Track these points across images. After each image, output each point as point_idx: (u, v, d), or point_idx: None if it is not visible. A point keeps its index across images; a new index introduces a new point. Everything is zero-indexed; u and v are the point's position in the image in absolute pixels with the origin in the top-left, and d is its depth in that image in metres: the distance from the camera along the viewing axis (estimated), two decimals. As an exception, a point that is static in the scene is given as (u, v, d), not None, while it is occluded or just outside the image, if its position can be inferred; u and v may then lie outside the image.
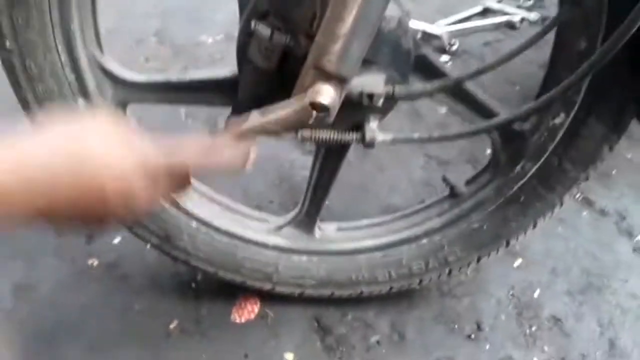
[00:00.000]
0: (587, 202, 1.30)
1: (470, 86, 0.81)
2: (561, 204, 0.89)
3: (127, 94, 0.79)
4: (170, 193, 0.59)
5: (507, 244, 0.94)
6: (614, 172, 1.38)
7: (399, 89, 0.72)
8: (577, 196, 1.31)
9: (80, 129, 0.47)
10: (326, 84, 0.62)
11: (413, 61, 0.75)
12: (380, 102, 0.71)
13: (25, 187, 0.43)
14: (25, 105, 0.74)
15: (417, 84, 0.75)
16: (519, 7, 1.84)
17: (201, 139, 0.58)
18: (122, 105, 0.81)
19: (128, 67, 0.78)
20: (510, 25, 1.78)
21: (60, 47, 0.70)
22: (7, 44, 0.68)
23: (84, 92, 0.75)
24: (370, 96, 0.70)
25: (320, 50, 0.60)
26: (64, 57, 0.71)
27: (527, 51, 0.78)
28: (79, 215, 0.47)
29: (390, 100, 0.74)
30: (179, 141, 0.54)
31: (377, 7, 0.57)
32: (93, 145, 0.46)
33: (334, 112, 0.64)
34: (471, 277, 1.13)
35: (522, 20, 1.79)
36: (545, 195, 0.87)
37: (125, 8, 1.62)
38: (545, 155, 0.84)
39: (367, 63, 0.70)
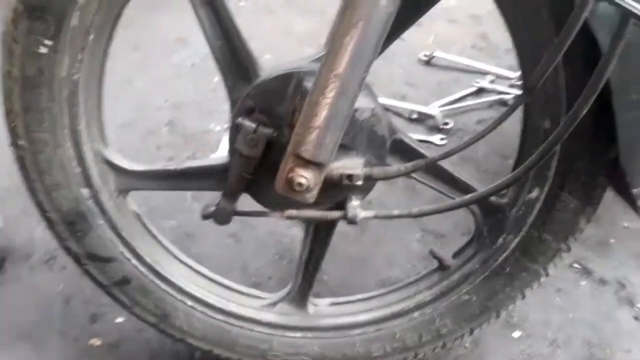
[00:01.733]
0: (586, 272, 1.31)
1: (447, 165, 0.87)
2: (546, 274, 0.91)
3: (128, 182, 0.86)
4: None
5: (498, 314, 0.95)
6: (611, 241, 1.39)
7: (377, 170, 0.78)
8: (575, 266, 1.32)
9: None
10: (304, 169, 0.68)
11: (390, 145, 0.82)
12: (360, 182, 0.77)
13: None
14: (34, 194, 0.81)
15: (394, 165, 0.81)
16: (511, 86, 1.94)
17: None
18: (124, 192, 0.88)
19: (142, 155, 0.85)
20: (502, 103, 1.86)
21: (68, 144, 0.78)
22: (21, 142, 0.76)
23: (88, 183, 0.82)
24: (350, 177, 0.76)
25: (298, 140, 0.67)
26: (70, 152, 0.79)
27: (518, 126, 0.84)
28: None
29: (369, 181, 0.80)
30: None
31: (345, 104, 0.64)
32: None
33: (313, 193, 0.70)
34: (470, 349, 1.13)
35: (515, 97, 1.88)
36: (529, 266, 0.90)
37: (140, 102, 1.75)
38: (525, 228, 0.88)
39: (346, 148, 0.78)
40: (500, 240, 0.90)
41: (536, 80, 0.67)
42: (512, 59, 2.02)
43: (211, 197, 1.43)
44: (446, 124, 1.74)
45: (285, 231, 1.38)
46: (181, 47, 2.12)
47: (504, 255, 0.90)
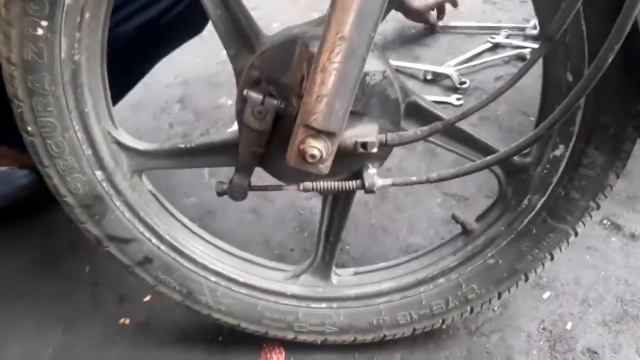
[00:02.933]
0: (616, 228, 1.27)
1: (465, 126, 0.83)
2: (575, 234, 0.88)
3: (141, 162, 0.85)
4: None
5: (526, 277, 0.93)
6: (641, 194, 1.34)
7: (392, 136, 0.75)
8: (605, 222, 1.28)
9: None
10: (316, 139, 0.66)
11: (404, 108, 0.79)
12: (375, 149, 0.74)
13: None
14: (49, 180, 0.81)
15: (410, 130, 0.77)
16: (525, 37, 1.86)
17: None
18: (138, 173, 0.87)
19: (154, 135, 0.84)
20: (520, 58, 1.79)
21: (76, 127, 0.77)
22: (29, 128, 0.75)
23: (101, 165, 0.81)
24: (364, 145, 0.73)
25: (307, 109, 0.64)
26: (80, 135, 0.78)
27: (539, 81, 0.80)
28: None
29: (385, 148, 0.77)
30: None
31: (353, 68, 0.61)
32: None
33: (327, 164, 0.68)
34: (499, 313, 1.11)
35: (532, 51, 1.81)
36: (557, 226, 0.87)
37: (149, 81, 1.73)
38: (551, 187, 0.84)
39: (358, 115, 0.75)
40: (526, 201, 0.87)
41: (555, 30, 0.63)
42: (526, 11, 1.97)
43: (227, 173, 1.43)
44: (463, 83, 1.69)
45: (304, 203, 1.37)
46: (188, 21, 2.09)
47: (530, 216, 0.87)
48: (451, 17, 2.00)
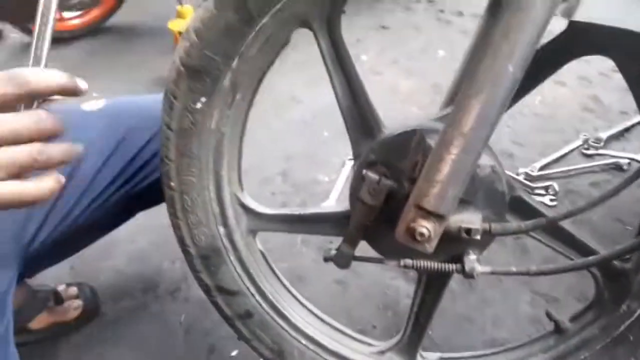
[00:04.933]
0: None
1: (567, 225, 0.86)
2: (676, 347, 0.85)
3: (258, 224, 0.94)
4: None
5: (620, 386, 0.90)
6: None
7: (495, 226, 0.80)
8: None
9: None
10: (426, 219, 0.72)
11: (508, 202, 0.84)
12: (478, 236, 0.79)
13: None
14: (177, 231, 0.92)
15: (513, 222, 0.82)
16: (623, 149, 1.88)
17: None
18: (253, 233, 0.96)
19: (258, 200, 0.95)
20: (618, 167, 1.79)
21: (210, 187, 0.89)
22: (172, 184, 0.88)
23: (225, 223, 0.92)
24: (468, 231, 0.79)
25: (420, 192, 0.71)
26: (212, 194, 0.89)
27: (638, 190, 0.83)
28: None
29: (487, 236, 0.81)
30: None
31: (468, 161, 0.68)
32: None
33: (433, 244, 0.74)
34: None
35: (630, 162, 1.80)
36: (657, 337, 0.85)
37: (257, 152, 1.90)
38: (651, 296, 0.84)
39: (466, 203, 0.81)
40: (624, 307, 0.87)
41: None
42: (625, 120, 1.97)
43: (318, 242, 1.50)
44: (551, 186, 1.70)
45: (391, 282, 1.41)
46: (294, 105, 2.29)
47: (628, 322, 0.87)
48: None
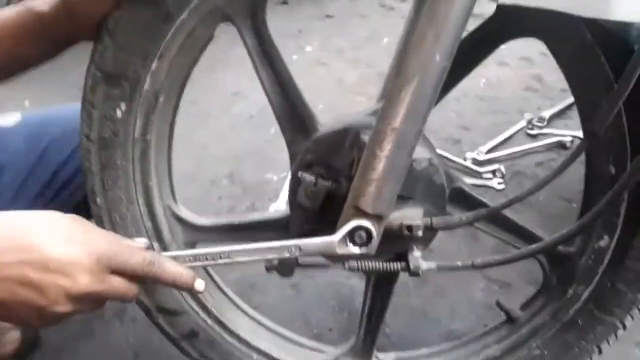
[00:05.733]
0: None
1: (510, 214, 0.85)
2: (624, 327, 0.85)
3: (195, 235, 0.89)
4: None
5: (573, 371, 0.90)
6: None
7: (437, 220, 0.78)
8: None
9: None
10: (364, 220, 0.69)
11: (448, 194, 0.81)
12: (420, 233, 0.76)
13: None
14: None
15: (455, 215, 0.80)
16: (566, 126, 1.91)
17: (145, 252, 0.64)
18: (191, 245, 0.91)
19: (204, 206, 0.89)
20: (561, 146, 1.82)
21: (140, 200, 0.83)
22: (98, 200, 0.81)
23: (159, 237, 0.86)
24: (409, 228, 0.76)
25: (357, 192, 0.68)
26: (142, 208, 0.83)
27: (582, 167, 0.82)
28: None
29: (430, 231, 0.79)
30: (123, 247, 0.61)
31: (402, 156, 0.66)
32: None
33: (374, 245, 0.71)
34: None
35: (573, 140, 1.83)
36: (604, 318, 0.85)
37: (200, 154, 1.84)
38: (597, 278, 0.84)
39: (405, 199, 0.78)
40: (571, 291, 0.86)
41: (598, 127, 0.66)
42: (566, 97, 2.01)
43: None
44: (498, 169, 1.72)
45: (345, 281, 1.38)
46: (239, 100, 2.22)
47: (576, 307, 0.86)
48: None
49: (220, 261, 0.69)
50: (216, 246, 0.70)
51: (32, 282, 0.53)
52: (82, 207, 0.86)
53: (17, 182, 0.91)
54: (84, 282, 0.55)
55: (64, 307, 0.55)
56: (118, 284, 0.60)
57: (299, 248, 0.71)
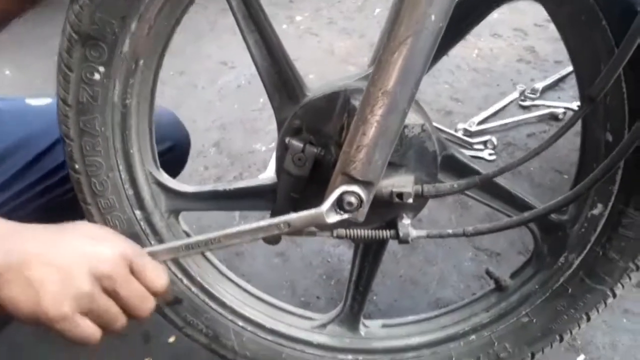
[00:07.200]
0: (655, 291, 1.23)
1: (503, 182, 0.83)
2: (613, 296, 0.85)
3: (179, 203, 0.87)
4: None
5: (561, 338, 0.90)
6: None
7: (428, 188, 0.76)
8: (643, 285, 1.24)
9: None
10: (353, 187, 0.67)
11: (440, 161, 0.79)
12: (410, 200, 0.75)
13: None
14: (90, 217, 0.83)
15: (446, 183, 0.78)
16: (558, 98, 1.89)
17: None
18: (175, 213, 0.89)
19: (190, 176, 0.87)
20: (553, 117, 1.81)
21: (121, 167, 0.80)
22: (77, 166, 0.78)
23: (141, 205, 0.83)
24: (400, 195, 0.74)
25: (346, 158, 0.66)
26: (124, 175, 0.80)
27: (575, 139, 0.81)
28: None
29: (420, 199, 0.77)
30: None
31: (394, 121, 0.63)
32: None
33: (364, 212, 0.69)
34: (531, 376, 1.07)
35: (565, 111, 1.82)
36: (594, 287, 0.85)
37: (188, 124, 1.79)
38: (588, 247, 0.83)
39: (396, 166, 0.76)
40: (562, 259, 0.86)
41: (597, 92, 0.64)
42: (560, 69, 1.99)
43: (258, 217, 1.44)
44: (490, 140, 1.70)
45: (332, 250, 1.37)
46: (227, 70, 2.17)
47: (567, 275, 0.86)
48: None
49: (212, 246, 0.70)
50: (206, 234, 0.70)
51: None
52: None
53: (32, 156, 0.93)
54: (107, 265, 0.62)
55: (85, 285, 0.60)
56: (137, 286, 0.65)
57: (288, 224, 0.70)
